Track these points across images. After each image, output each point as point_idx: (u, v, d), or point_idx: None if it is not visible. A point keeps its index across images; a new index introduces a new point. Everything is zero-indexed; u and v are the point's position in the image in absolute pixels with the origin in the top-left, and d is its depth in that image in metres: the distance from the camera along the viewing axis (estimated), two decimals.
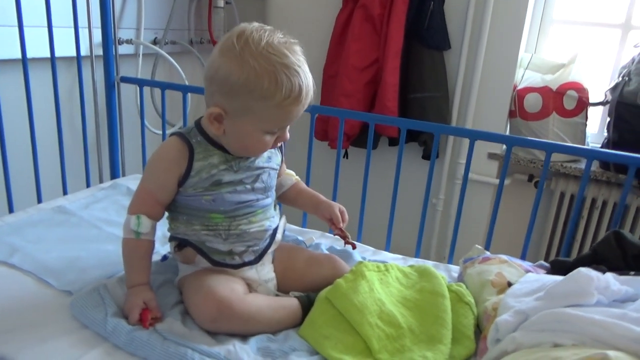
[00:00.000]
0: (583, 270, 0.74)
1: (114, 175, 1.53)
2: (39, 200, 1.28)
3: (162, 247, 1.10)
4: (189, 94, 1.41)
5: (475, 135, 1.25)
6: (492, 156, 1.98)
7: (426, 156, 2.03)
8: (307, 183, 1.40)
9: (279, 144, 0.94)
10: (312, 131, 1.40)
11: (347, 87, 1.96)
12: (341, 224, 1.06)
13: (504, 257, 1.03)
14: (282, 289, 0.99)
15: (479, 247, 1.13)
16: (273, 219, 0.97)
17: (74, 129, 1.39)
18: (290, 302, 0.90)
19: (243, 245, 0.92)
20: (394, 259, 1.19)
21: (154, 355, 0.79)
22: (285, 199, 1.11)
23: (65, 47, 1.31)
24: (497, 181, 2.00)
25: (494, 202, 1.26)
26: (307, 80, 0.83)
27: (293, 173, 1.12)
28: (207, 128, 0.89)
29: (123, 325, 0.83)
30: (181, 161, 0.87)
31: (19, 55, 1.20)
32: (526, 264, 1.02)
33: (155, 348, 0.79)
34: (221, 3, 1.86)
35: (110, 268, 1.00)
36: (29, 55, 1.22)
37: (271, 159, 0.97)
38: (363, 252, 1.21)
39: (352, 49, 1.95)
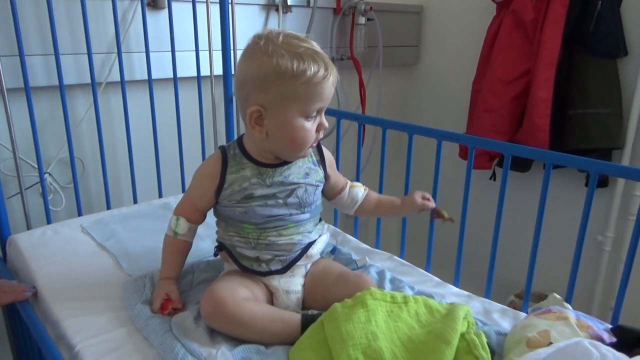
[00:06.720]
0: (586, 342, 0.54)
1: None
2: (160, 196, 1.49)
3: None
4: None
5: (550, 158, 1.00)
6: None
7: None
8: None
9: (321, 136, 0.93)
10: (384, 147, 1.28)
11: (490, 102, 1.77)
12: (432, 203, 1.10)
13: (571, 312, 0.80)
14: (309, 305, 0.96)
15: (557, 296, 0.90)
16: (309, 234, 0.96)
17: (195, 137, 1.57)
18: (291, 317, 0.87)
19: (270, 254, 0.93)
20: (456, 295, 1.03)
21: (155, 342, 0.86)
22: (364, 211, 1.09)
23: (202, 68, 1.51)
24: None
25: None
26: (329, 60, 0.87)
27: (360, 184, 1.10)
28: (247, 140, 0.94)
29: (145, 312, 0.92)
30: (217, 174, 0.93)
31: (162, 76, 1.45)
32: (602, 326, 0.78)
33: (157, 336, 0.86)
34: (362, 20, 1.89)
35: None
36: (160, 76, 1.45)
37: (309, 175, 0.96)
38: (422, 283, 1.08)
39: (498, 60, 1.76)
